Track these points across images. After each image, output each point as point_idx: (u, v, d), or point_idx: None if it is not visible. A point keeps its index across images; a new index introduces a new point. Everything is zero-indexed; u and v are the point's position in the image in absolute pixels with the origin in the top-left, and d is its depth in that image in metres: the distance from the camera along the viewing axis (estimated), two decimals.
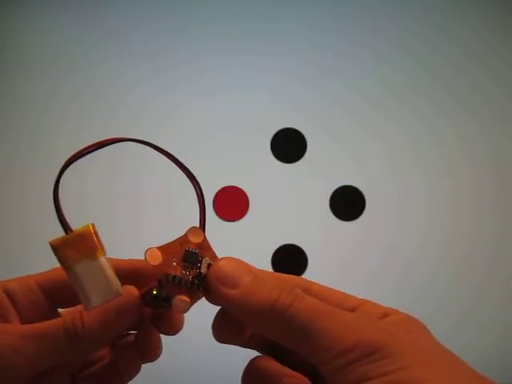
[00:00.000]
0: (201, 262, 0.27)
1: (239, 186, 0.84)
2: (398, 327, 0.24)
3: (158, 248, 0.26)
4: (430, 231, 0.83)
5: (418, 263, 0.83)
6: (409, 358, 0.21)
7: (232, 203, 0.83)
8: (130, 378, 0.30)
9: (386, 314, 0.25)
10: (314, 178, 0.84)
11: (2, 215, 0.82)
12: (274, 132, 0.85)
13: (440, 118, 0.85)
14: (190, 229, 0.27)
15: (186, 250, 0.27)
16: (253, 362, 0.27)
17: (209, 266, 0.27)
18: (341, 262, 0.82)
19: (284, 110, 0.85)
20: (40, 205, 0.81)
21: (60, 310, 0.31)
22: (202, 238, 0.27)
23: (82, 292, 0.26)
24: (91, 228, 0.28)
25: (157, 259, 0.26)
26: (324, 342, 0.22)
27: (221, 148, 0.84)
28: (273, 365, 0.26)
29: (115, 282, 0.27)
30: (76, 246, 0.27)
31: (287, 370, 0.26)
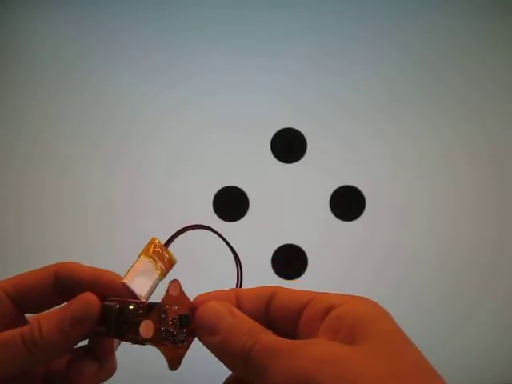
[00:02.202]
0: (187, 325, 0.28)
1: (239, 186, 0.84)
2: (341, 329, 0.24)
3: (151, 322, 0.27)
4: (430, 231, 0.83)
5: (418, 263, 0.83)
6: None
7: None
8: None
9: (330, 307, 0.25)
10: (314, 178, 0.84)
11: (2, 215, 0.82)
12: (273, 132, 0.85)
13: (440, 117, 0.85)
14: (169, 286, 0.28)
15: (180, 316, 0.28)
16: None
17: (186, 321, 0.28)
18: (341, 262, 0.82)
19: (284, 110, 0.85)
20: (40, 204, 0.81)
21: (29, 316, 0.31)
22: (180, 289, 0.28)
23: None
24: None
25: (150, 332, 0.27)
26: (273, 379, 0.23)
27: (221, 148, 0.84)
28: None
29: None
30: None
31: None
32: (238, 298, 0.28)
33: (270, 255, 0.82)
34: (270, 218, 0.83)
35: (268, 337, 0.25)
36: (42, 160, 0.83)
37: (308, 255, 0.82)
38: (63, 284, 0.31)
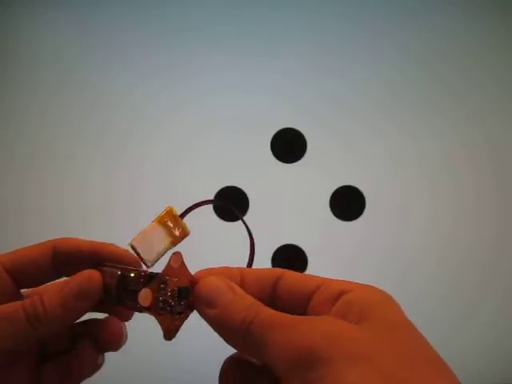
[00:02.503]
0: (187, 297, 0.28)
1: (239, 186, 0.84)
2: (350, 312, 0.24)
3: (150, 290, 0.27)
4: (430, 231, 0.83)
5: (418, 263, 0.83)
6: (341, 360, 0.21)
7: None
8: (91, 368, 0.31)
9: (341, 292, 0.25)
10: (314, 178, 0.84)
11: (3, 215, 0.82)
12: (273, 132, 0.85)
13: (440, 117, 0.85)
14: (171, 257, 0.28)
15: (179, 287, 0.28)
16: (228, 361, 0.28)
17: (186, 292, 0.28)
18: (341, 262, 0.82)
19: (284, 110, 0.85)
20: (40, 204, 0.81)
21: (24, 290, 0.32)
22: (181, 261, 0.28)
23: None
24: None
25: (148, 300, 0.27)
26: (272, 353, 0.23)
27: (221, 148, 0.84)
28: (246, 365, 0.27)
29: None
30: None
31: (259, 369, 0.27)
32: (242, 277, 0.28)
33: (270, 255, 0.82)
34: (270, 218, 0.83)
35: (269, 311, 0.25)
36: (42, 160, 0.83)
37: (308, 255, 0.82)
38: (61, 258, 0.31)
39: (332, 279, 0.27)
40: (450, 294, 0.82)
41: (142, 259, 0.29)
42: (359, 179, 0.84)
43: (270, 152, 0.85)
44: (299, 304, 0.27)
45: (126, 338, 0.31)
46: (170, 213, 0.30)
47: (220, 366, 0.28)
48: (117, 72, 0.85)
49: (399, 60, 0.85)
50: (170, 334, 0.28)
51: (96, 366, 0.31)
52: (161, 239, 0.29)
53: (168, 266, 0.28)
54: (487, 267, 0.83)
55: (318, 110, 0.85)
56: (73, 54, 0.85)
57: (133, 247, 0.29)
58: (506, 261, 0.83)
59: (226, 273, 0.28)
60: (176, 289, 0.28)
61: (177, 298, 0.28)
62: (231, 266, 0.29)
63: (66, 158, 0.83)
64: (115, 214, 0.81)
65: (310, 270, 0.81)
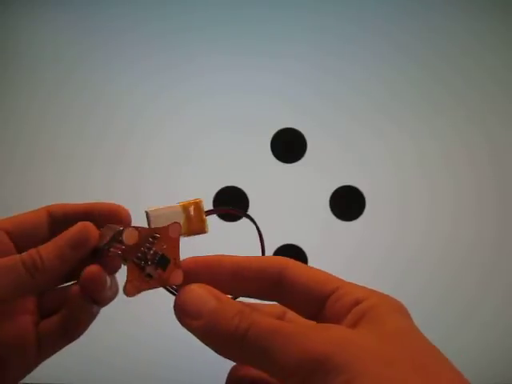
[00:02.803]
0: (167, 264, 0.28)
1: (239, 186, 0.84)
2: (362, 319, 0.23)
3: (137, 230, 0.28)
4: (430, 231, 0.83)
5: (418, 263, 0.83)
6: (353, 369, 0.21)
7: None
8: (86, 324, 0.32)
9: (357, 301, 0.25)
10: (314, 178, 0.84)
11: (3, 215, 0.82)
12: (273, 132, 0.85)
13: (440, 117, 0.85)
14: (172, 224, 0.28)
15: (162, 254, 0.28)
16: (233, 370, 0.27)
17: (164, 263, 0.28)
18: (341, 262, 0.82)
19: (284, 110, 0.85)
20: (40, 205, 0.81)
21: None
22: (178, 234, 0.28)
23: None
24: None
25: (133, 239, 0.27)
26: (278, 363, 0.22)
27: (221, 148, 0.84)
28: (252, 373, 0.27)
29: None
30: None
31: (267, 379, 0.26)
32: (235, 268, 0.27)
33: (270, 255, 0.82)
34: (270, 218, 0.83)
35: (266, 318, 0.24)
36: (42, 160, 0.83)
37: (308, 255, 0.82)
38: (58, 221, 0.32)
39: (346, 283, 0.26)
40: (449, 293, 0.82)
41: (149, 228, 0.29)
42: (359, 179, 0.84)
43: (270, 152, 0.85)
44: (311, 306, 0.26)
45: (116, 291, 0.32)
46: (197, 204, 0.30)
47: (220, 367, 0.27)
48: (117, 72, 0.85)
49: (399, 60, 0.85)
50: (131, 289, 0.27)
51: (90, 315, 0.32)
52: (176, 221, 0.29)
53: (164, 228, 0.28)
54: (487, 267, 0.83)
55: (318, 110, 0.85)
56: (73, 54, 0.85)
57: (147, 214, 0.29)
58: (506, 261, 0.83)
59: (215, 261, 0.28)
60: (159, 254, 0.28)
61: (155, 262, 0.28)
62: (223, 255, 0.28)
63: (66, 158, 0.83)
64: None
65: None
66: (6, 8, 0.85)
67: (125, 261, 0.27)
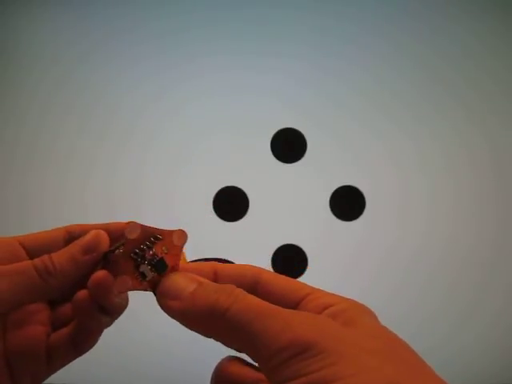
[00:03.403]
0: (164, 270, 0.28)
1: (239, 186, 0.84)
2: (336, 320, 0.24)
3: (140, 225, 0.27)
4: (431, 231, 0.83)
5: (419, 263, 0.83)
6: (337, 354, 0.21)
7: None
8: (95, 335, 0.32)
9: (328, 305, 0.25)
10: (314, 178, 0.84)
11: (3, 215, 0.82)
12: (273, 132, 0.85)
13: (440, 117, 0.85)
14: (178, 230, 0.28)
15: (161, 258, 0.27)
16: (219, 367, 0.27)
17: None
18: (341, 262, 0.82)
19: (284, 110, 0.85)
20: (40, 205, 0.81)
21: None
22: (182, 243, 0.28)
23: None
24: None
25: (134, 234, 0.27)
26: (261, 341, 0.22)
27: (221, 148, 0.84)
28: (237, 369, 0.27)
29: None
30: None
31: (252, 374, 0.26)
32: (216, 273, 0.28)
33: (270, 255, 0.82)
34: (270, 217, 0.83)
35: (251, 298, 0.24)
36: (42, 160, 0.83)
37: (308, 255, 0.82)
38: (75, 237, 0.32)
39: (318, 290, 0.27)
40: (450, 293, 0.82)
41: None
42: (359, 179, 0.84)
43: (270, 152, 0.85)
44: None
45: (126, 302, 0.32)
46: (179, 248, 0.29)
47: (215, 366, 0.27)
48: (117, 72, 0.85)
49: (399, 60, 0.85)
50: (122, 285, 0.27)
51: (98, 325, 0.32)
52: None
53: (169, 232, 0.28)
54: (487, 267, 0.83)
55: (317, 110, 0.85)
56: (73, 54, 0.85)
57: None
58: (506, 261, 0.83)
59: (198, 269, 0.28)
60: (159, 257, 0.27)
61: (152, 263, 0.27)
62: (204, 262, 0.29)
63: (66, 158, 0.83)
64: (116, 214, 0.81)
65: (310, 269, 0.81)
66: (5, 8, 0.85)
67: (123, 259, 0.27)
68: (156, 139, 0.84)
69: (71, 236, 0.32)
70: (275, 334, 0.22)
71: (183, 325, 0.25)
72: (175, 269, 0.27)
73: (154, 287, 0.27)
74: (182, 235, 0.28)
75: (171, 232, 0.28)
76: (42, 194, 0.82)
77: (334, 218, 0.84)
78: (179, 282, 0.26)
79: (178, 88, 0.85)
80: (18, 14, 0.85)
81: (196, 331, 0.25)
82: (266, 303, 0.24)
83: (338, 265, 0.82)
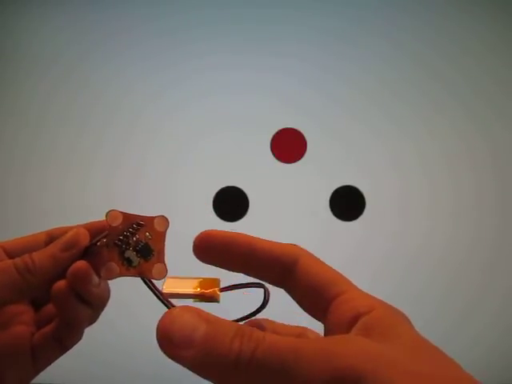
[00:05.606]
0: (151, 254, 0.28)
1: (239, 186, 0.84)
2: (372, 331, 0.22)
3: (121, 213, 0.28)
4: (431, 231, 0.83)
5: (418, 263, 0.83)
6: (388, 381, 0.19)
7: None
8: (78, 328, 0.32)
9: (362, 311, 0.23)
10: (314, 178, 0.84)
11: (3, 215, 0.82)
12: (273, 132, 0.85)
13: (440, 117, 0.85)
14: (159, 216, 0.28)
15: (146, 243, 0.28)
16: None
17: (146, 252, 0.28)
18: (341, 262, 0.81)
19: (284, 110, 0.85)
20: (40, 205, 0.81)
21: None
22: (164, 228, 0.28)
23: None
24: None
25: (117, 221, 0.27)
26: (301, 378, 0.20)
27: (221, 148, 0.84)
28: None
29: None
30: None
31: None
32: (252, 248, 0.26)
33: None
34: (270, 218, 0.83)
35: (271, 337, 0.21)
36: (42, 160, 0.83)
37: None
38: (56, 239, 0.32)
39: (353, 288, 0.25)
40: (449, 293, 0.82)
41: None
42: (359, 179, 0.84)
43: (270, 152, 0.85)
44: (315, 303, 0.25)
45: (107, 294, 0.32)
46: (214, 281, 0.28)
47: None
48: (117, 72, 0.85)
49: (399, 60, 0.85)
50: (109, 272, 0.27)
51: (80, 317, 0.32)
52: (186, 283, 0.28)
53: (150, 219, 0.28)
54: (487, 267, 0.83)
55: (318, 110, 0.85)
56: (73, 54, 0.85)
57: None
58: (506, 261, 0.83)
59: (230, 240, 0.27)
60: (143, 242, 0.27)
61: (137, 249, 0.27)
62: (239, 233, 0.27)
63: (66, 158, 0.83)
64: None
65: None
66: (5, 8, 0.85)
67: (108, 248, 0.27)
68: (156, 139, 0.84)
69: (52, 238, 0.32)
70: (313, 373, 0.20)
71: (199, 375, 0.22)
72: (160, 255, 0.28)
73: (142, 273, 0.27)
74: (164, 221, 0.28)
75: (152, 218, 0.28)
76: (42, 194, 0.82)
77: (334, 218, 0.84)
78: (186, 320, 0.22)
79: (177, 87, 0.85)
80: (17, 14, 0.85)
81: (213, 381, 0.22)
82: (289, 339, 0.21)
83: (338, 265, 0.82)
